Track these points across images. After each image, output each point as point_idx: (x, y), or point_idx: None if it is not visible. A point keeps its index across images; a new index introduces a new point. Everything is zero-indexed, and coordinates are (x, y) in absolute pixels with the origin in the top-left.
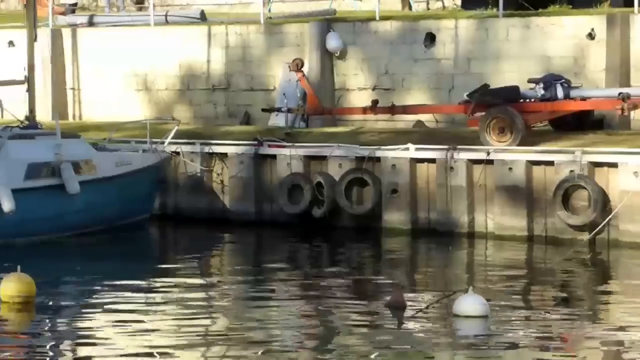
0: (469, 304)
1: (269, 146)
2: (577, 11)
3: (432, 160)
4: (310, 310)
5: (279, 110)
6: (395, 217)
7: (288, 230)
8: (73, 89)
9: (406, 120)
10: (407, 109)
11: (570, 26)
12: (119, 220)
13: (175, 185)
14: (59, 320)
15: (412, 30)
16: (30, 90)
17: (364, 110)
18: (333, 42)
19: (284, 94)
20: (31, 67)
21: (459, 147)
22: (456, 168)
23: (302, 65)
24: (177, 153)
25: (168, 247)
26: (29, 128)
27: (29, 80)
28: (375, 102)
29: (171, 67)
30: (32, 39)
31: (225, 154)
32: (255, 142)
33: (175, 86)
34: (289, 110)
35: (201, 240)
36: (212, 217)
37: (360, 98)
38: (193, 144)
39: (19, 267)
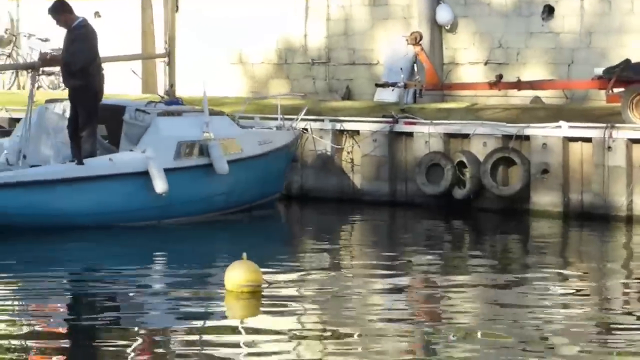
0: None
1: (405, 123)
2: None
3: (587, 139)
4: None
5: (394, 85)
6: (545, 199)
7: (425, 212)
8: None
9: (521, 97)
10: (534, 85)
11: None
12: (257, 200)
13: (301, 163)
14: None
15: (529, 1)
16: (171, 64)
17: (489, 85)
18: (444, 14)
19: (390, 69)
20: (171, 39)
21: (617, 125)
22: (614, 147)
23: (421, 39)
24: (305, 130)
25: (304, 228)
26: (171, 104)
27: (170, 54)
28: (499, 76)
29: (268, 40)
30: (174, 9)
31: (357, 132)
32: (390, 119)
33: (271, 60)
34: (405, 86)
35: (335, 220)
36: (341, 197)
37: (471, 73)
38: (322, 120)
39: (244, 255)
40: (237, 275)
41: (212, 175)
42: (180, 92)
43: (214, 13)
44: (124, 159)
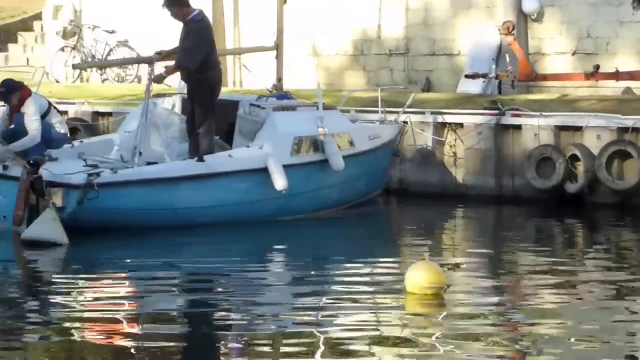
0: None
1: (512, 115)
2: None
3: None
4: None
5: (485, 76)
6: None
7: (534, 207)
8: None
9: (612, 87)
10: (634, 75)
11: None
12: (364, 196)
13: (400, 158)
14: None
15: None
16: (279, 57)
17: (585, 76)
18: (530, 3)
19: (474, 59)
20: (280, 32)
21: None
22: None
23: (514, 28)
24: (406, 123)
25: (406, 224)
26: (281, 98)
27: (278, 47)
28: (597, 67)
29: (343, 31)
30: (282, 1)
31: (460, 124)
32: (497, 111)
33: (347, 51)
34: (497, 77)
35: (438, 216)
36: (443, 192)
37: (558, 63)
38: (423, 113)
39: (426, 255)
40: (420, 276)
41: (327, 171)
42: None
43: (288, 4)
44: (243, 155)
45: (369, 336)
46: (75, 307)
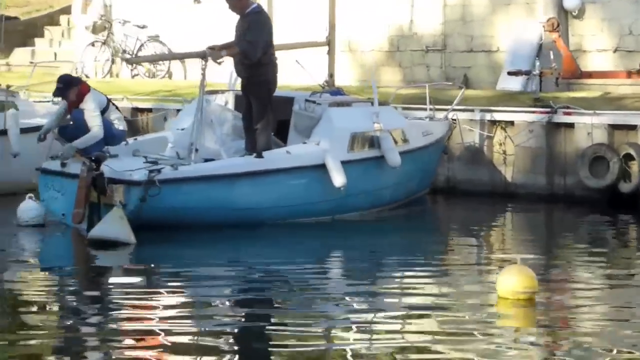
0: None
1: (564, 113)
2: None
3: None
4: None
5: (528, 73)
6: None
7: (587, 206)
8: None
9: None
10: None
11: None
12: (414, 194)
13: (449, 155)
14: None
15: None
16: (331, 53)
17: (629, 74)
18: None
19: (514, 56)
20: (332, 27)
21: None
22: None
23: (559, 25)
24: (454, 120)
25: (456, 223)
26: (335, 94)
27: (330, 42)
28: None
29: (379, 26)
30: None
31: (510, 122)
32: (549, 109)
33: (382, 48)
34: (541, 74)
35: (490, 215)
36: (492, 190)
37: (599, 61)
38: (472, 110)
39: (518, 259)
40: (513, 281)
41: (383, 168)
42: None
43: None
44: (301, 152)
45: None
46: (130, 307)
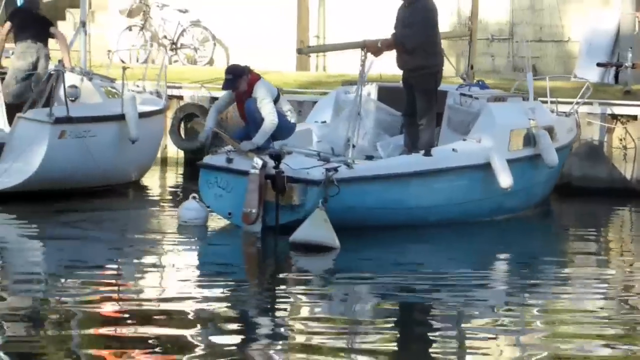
0: None
1: None
2: None
3: None
4: None
5: (619, 65)
6: None
7: None
8: (317, 36)
9: None
10: None
11: None
12: (550, 193)
13: None
14: None
15: None
16: (472, 43)
17: None
18: None
19: (590, 46)
20: (474, 16)
21: None
22: None
23: None
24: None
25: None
26: (482, 87)
27: (472, 32)
28: None
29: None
30: None
31: (632, 117)
32: None
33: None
34: (633, 66)
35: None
36: (611, 187)
37: None
38: (591, 104)
39: None
40: None
41: (538, 167)
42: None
43: None
44: (466, 149)
45: None
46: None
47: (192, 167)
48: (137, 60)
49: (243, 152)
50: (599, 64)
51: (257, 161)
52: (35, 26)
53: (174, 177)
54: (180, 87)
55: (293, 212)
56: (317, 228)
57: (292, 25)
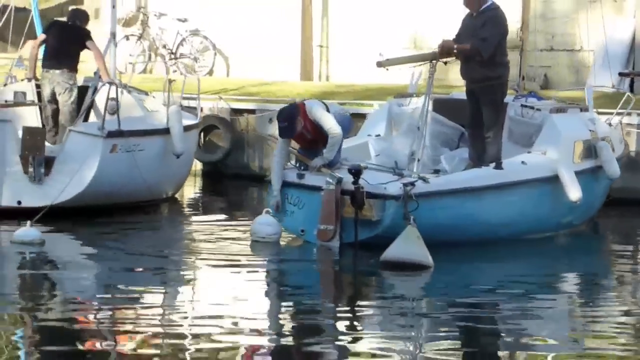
0: None
1: None
2: None
3: None
4: None
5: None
6: None
7: None
8: (321, 46)
9: None
10: None
11: None
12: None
13: None
14: None
15: None
16: (524, 53)
17: None
18: None
19: (604, 56)
20: (525, 24)
21: None
22: None
23: None
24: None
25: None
26: (539, 98)
27: (523, 41)
28: None
29: (448, 22)
30: None
31: None
32: None
33: None
34: None
35: None
36: None
37: None
38: (629, 114)
39: None
40: None
41: (599, 178)
42: (340, 78)
43: None
44: (533, 162)
45: None
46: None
47: (211, 178)
48: (134, 70)
49: (315, 168)
50: (620, 74)
51: (333, 177)
52: (62, 46)
53: (192, 189)
54: (194, 98)
55: (372, 229)
56: (410, 246)
57: (294, 34)
